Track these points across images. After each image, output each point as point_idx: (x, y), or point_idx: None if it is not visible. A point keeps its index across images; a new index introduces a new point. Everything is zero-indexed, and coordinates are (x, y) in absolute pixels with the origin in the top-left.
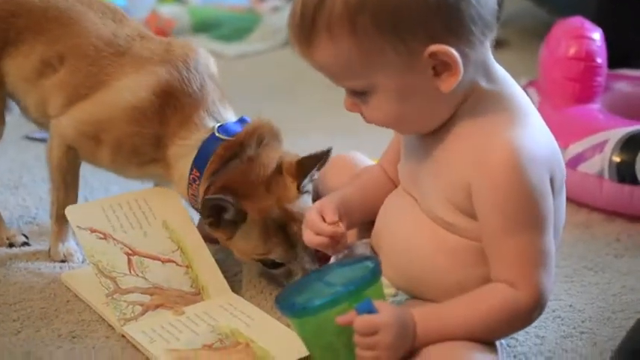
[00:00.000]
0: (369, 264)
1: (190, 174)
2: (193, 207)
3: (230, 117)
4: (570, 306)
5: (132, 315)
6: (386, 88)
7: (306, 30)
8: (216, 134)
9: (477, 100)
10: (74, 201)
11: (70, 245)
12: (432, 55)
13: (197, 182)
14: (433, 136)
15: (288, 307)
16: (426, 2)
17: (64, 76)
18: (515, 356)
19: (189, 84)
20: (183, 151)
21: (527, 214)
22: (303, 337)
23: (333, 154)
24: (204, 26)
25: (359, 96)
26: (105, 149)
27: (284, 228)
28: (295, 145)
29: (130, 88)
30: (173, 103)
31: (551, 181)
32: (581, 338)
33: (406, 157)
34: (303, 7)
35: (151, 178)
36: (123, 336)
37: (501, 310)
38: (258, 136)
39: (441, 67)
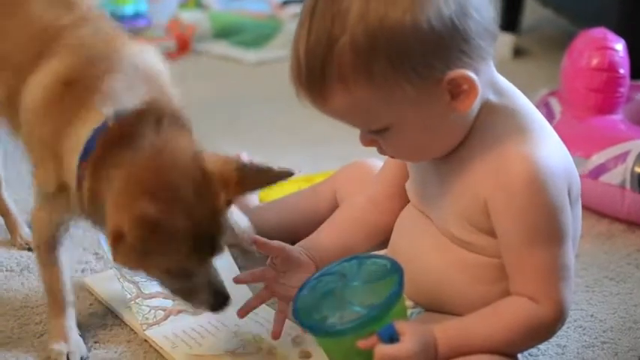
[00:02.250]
0: (394, 276)
1: (79, 170)
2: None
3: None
4: (592, 316)
5: (154, 320)
6: (405, 123)
7: (316, 84)
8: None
9: (487, 115)
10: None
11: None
12: (450, 81)
13: (84, 179)
14: (444, 159)
15: (310, 326)
16: (437, 32)
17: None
18: None
19: (93, 70)
20: (72, 144)
21: (547, 228)
22: (324, 349)
23: (351, 160)
24: (224, 32)
25: (377, 134)
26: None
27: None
28: (314, 153)
29: (40, 77)
30: (72, 94)
31: (569, 192)
32: (603, 348)
33: (415, 177)
34: (308, 61)
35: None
36: (145, 340)
37: (524, 325)
38: (155, 117)
39: (457, 89)
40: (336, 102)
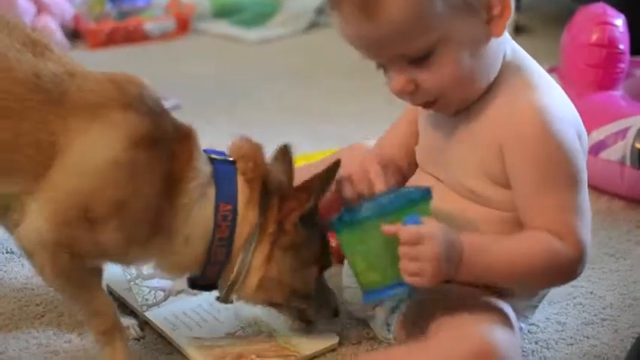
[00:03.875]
0: (420, 190)
1: (217, 213)
2: (213, 260)
3: None
4: (591, 293)
5: (154, 301)
6: (455, 37)
7: None
8: (216, 158)
9: (504, 71)
10: (103, 295)
11: None
12: None
13: (230, 218)
14: (461, 113)
15: (338, 220)
16: None
17: None
18: (536, 342)
19: (163, 124)
20: (196, 194)
21: (562, 170)
22: (348, 249)
23: (351, 142)
24: (224, 11)
25: (417, 63)
26: (105, 227)
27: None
28: (316, 131)
29: (100, 145)
30: (158, 152)
31: (579, 139)
32: (603, 325)
33: (428, 137)
34: None
35: (149, 257)
36: (146, 323)
37: (546, 257)
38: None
39: (490, 10)
40: (393, 11)
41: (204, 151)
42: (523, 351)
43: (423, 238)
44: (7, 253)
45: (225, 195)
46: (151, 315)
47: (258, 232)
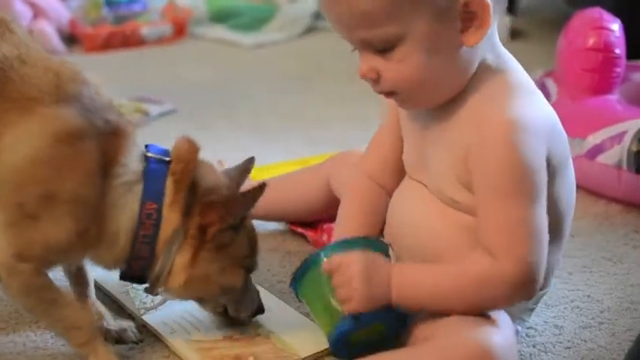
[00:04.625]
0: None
1: (142, 210)
2: (137, 256)
3: None
4: (589, 296)
5: (152, 304)
6: (417, 37)
7: None
8: (151, 156)
9: (483, 74)
10: (77, 310)
11: None
12: (466, 4)
13: (154, 217)
14: (438, 114)
15: (293, 279)
16: None
17: None
18: (534, 346)
19: (94, 121)
20: (122, 190)
21: (518, 184)
22: (307, 302)
23: (347, 143)
24: (221, 16)
25: (381, 53)
26: (45, 222)
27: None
28: (312, 136)
29: (24, 140)
30: (85, 148)
31: (550, 157)
32: (600, 328)
33: (411, 144)
34: None
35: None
36: (143, 326)
37: (474, 277)
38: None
39: (468, 20)
40: None
41: (147, 146)
42: (521, 354)
43: (346, 264)
44: None
45: (151, 194)
46: (148, 318)
47: (183, 233)
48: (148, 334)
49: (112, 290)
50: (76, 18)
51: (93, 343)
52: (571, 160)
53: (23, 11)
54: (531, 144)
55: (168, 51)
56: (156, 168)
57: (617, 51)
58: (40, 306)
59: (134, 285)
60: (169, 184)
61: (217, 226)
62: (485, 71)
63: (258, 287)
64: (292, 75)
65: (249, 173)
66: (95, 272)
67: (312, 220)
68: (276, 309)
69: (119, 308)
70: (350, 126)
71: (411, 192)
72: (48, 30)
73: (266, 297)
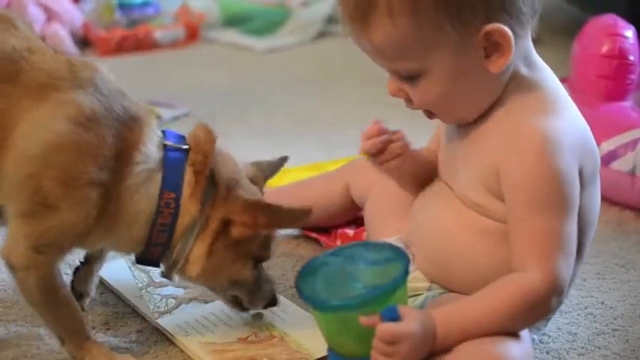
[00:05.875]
0: (399, 264)
1: (160, 199)
2: (155, 242)
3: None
4: (602, 303)
5: (166, 308)
6: (438, 70)
7: (362, 10)
8: (169, 145)
9: (515, 87)
10: (80, 313)
11: None
12: (487, 34)
13: (172, 205)
14: (471, 123)
15: (313, 300)
16: None
17: None
18: (548, 352)
19: (112, 107)
20: (142, 177)
21: (550, 197)
22: (321, 324)
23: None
24: (234, 20)
25: (408, 80)
26: (61, 209)
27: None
28: (326, 140)
29: (43, 126)
30: (104, 133)
31: (581, 171)
32: (614, 335)
33: (444, 146)
34: None
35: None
36: (157, 329)
37: (521, 301)
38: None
39: (492, 48)
40: (377, 32)
41: (164, 132)
42: None
43: (400, 338)
44: None
45: (170, 183)
46: (162, 322)
47: (202, 225)
48: (162, 338)
49: (126, 294)
50: (89, 21)
51: (87, 345)
52: (599, 176)
53: (37, 14)
54: (566, 158)
55: (181, 55)
56: (175, 157)
57: (632, 58)
58: (51, 303)
59: (148, 289)
60: (188, 174)
61: (249, 231)
62: (519, 83)
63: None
64: (306, 79)
65: (279, 170)
66: (110, 275)
67: (329, 225)
68: (290, 312)
69: (133, 312)
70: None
71: (436, 193)
72: (61, 33)
73: (280, 300)
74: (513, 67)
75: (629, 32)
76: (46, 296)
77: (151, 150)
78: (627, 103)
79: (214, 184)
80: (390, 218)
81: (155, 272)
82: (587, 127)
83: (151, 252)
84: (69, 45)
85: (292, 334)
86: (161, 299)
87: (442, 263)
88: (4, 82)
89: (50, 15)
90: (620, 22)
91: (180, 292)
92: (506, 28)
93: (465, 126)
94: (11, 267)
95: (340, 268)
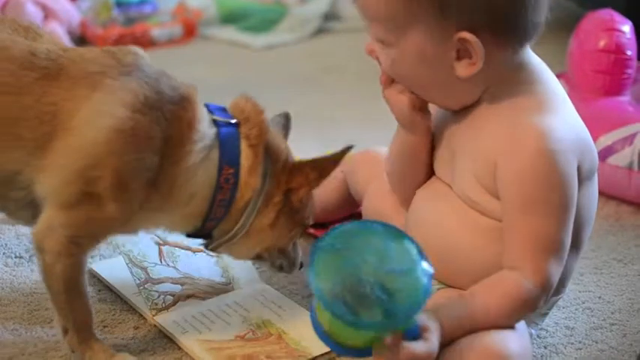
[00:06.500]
0: (418, 269)
1: (220, 175)
2: (212, 218)
3: None
4: (600, 297)
5: (163, 305)
6: (408, 46)
7: None
8: (219, 120)
9: (508, 84)
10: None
11: None
12: (461, 40)
13: (232, 181)
14: (464, 118)
15: (336, 310)
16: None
17: None
18: (545, 347)
19: (162, 89)
20: (201, 155)
21: (547, 199)
22: (326, 320)
23: (361, 149)
24: (231, 17)
25: (381, 43)
26: (109, 197)
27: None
28: (324, 136)
29: (102, 113)
30: (158, 115)
31: (578, 169)
32: (611, 330)
33: (439, 143)
34: None
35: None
36: (154, 326)
37: (515, 300)
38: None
39: (464, 53)
40: None
41: (205, 105)
42: (533, 356)
43: (423, 359)
44: (16, 257)
45: (229, 158)
46: (160, 319)
47: (263, 198)
48: (160, 335)
49: (124, 291)
50: (86, 19)
51: (90, 341)
52: (597, 173)
53: (34, 13)
54: (564, 158)
55: (179, 52)
56: (228, 132)
57: (629, 52)
58: (70, 293)
59: (146, 286)
60: (244, 148)
61: (306, 189)
62: (512, 81)
63: (269, 288)
64: (303, 76)
65: (289, 129)
66: (107, 273)
67: (327, 221)
68: (288, 309)
69: (130, 309)
70: (362, 126)
71: (434, 191)
72: (59, 31)
73: (278, 297)
74: (511, 67)
75: (626, 27)
76: (68, 285)
77: (204, 127)
78: (624, 98)
79: (268, 156)
80: (388, 213)
81: (153, 269)
82: (584, 126)
83: (207, 226)
84: (66, 43)
85: (290, 332)
86: (159, 296)
87: (440, 259)
88: (49, 80)
89: (47, 13)
90: (617, 17)
91: (177, 288)
92: (480, 44)
93: (461, 124)
94: (41, 250)
95: (352, 249)
